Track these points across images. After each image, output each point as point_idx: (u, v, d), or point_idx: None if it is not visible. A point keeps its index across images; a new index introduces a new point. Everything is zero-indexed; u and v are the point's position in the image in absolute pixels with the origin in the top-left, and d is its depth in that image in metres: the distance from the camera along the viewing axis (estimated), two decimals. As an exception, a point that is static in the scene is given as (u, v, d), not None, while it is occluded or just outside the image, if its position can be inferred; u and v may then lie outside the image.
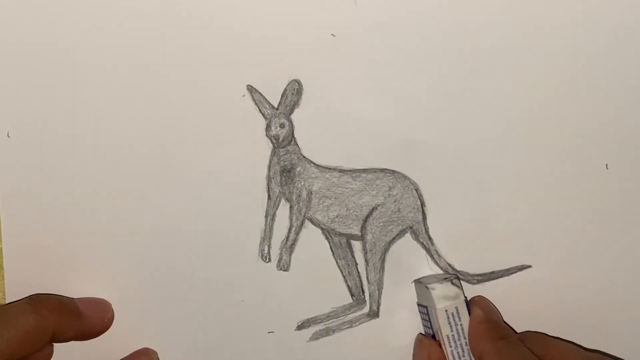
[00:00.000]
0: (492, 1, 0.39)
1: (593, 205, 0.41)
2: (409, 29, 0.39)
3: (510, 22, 0.39)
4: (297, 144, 0.40)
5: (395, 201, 0.40)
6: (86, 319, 0.39)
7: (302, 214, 0.40)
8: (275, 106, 0.39)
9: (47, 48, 0.39)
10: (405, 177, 0.40)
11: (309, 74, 0.39)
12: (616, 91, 0.40)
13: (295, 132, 0.40)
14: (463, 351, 0.38)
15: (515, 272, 0.41)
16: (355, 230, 0.41)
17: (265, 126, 0.40)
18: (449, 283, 0.38)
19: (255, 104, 0.39)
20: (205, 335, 0.42)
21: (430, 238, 0.41)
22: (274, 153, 0.40)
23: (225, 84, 0.39)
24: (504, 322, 0.40)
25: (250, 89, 0.39)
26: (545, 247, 0.41)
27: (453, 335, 0.38)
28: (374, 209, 0.41)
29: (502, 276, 0.41)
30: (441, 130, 0.40)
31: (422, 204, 0.40)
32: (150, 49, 0.39)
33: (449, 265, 0.41)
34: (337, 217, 0.41)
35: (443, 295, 0.38)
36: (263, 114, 0.39)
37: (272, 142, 0.40)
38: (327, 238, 0.41)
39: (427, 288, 0.38)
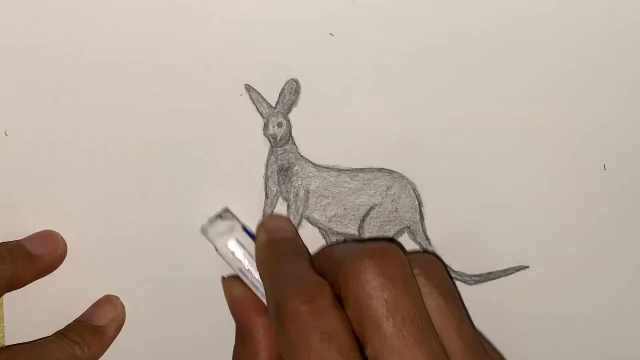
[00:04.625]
0: (491, 2, 0.38)
1: (591, 206, 0.40)
2: (407, 29, 0.39)
3: (509, 23, 0.39)
4: (294, 143, 0.40)
5: (392, 201, 0.40)
6: (39, 257, 0.39)
7: (300, 213, 0.40)
8: (273, 105, 0.39)
9: (44, 46, 0.39)
10: (402, 176, 0.40)
11: (307, 73, 0.39)
12: (615, 91, 0.39)
13: (292, 131, 0.40)
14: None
15: (513, 272, 0.41)
16: (353, 230, 0.41)
17: (262, 125, 0.40)
18: (218, 219, 0.38)
19: (253, 102, 0.39)
20: (204, 334, 0.42)
21: (427, 238, 0.41)
22: (271, 152, 0.40)
23: (223, 83, 0.39)
24: (296, 239, 0.37)
25: (248, 88, 0.39)
26: (543, 247, 0.41)
27: (246, 267, 0.36)
28: (371, 208, 0.40)
29: (499, 277, 0.41)
30: (439, 130, 0.40)
31: (420, 204, 0.40)
32: (148, 48, 0.39)
33: (446, 265, 0.41)
34: (334, 216, 0.41)
35: (217, 233, 0.37)
36: (261, 113, 0.39)
37: (269, 141, 0.40)
38: (324, 238, 0.41)
39: (204, 235, 0.37)
